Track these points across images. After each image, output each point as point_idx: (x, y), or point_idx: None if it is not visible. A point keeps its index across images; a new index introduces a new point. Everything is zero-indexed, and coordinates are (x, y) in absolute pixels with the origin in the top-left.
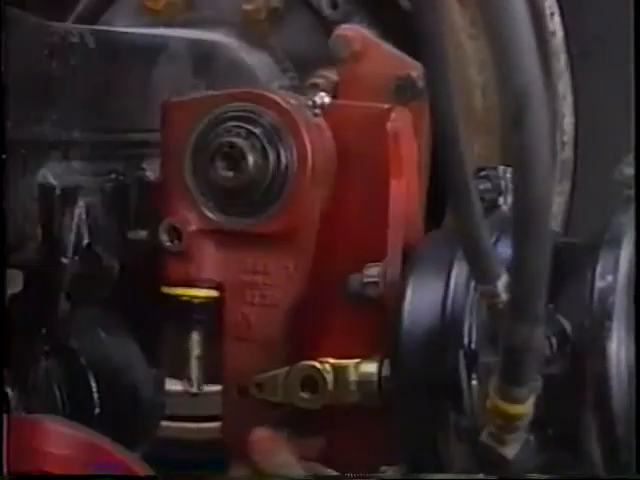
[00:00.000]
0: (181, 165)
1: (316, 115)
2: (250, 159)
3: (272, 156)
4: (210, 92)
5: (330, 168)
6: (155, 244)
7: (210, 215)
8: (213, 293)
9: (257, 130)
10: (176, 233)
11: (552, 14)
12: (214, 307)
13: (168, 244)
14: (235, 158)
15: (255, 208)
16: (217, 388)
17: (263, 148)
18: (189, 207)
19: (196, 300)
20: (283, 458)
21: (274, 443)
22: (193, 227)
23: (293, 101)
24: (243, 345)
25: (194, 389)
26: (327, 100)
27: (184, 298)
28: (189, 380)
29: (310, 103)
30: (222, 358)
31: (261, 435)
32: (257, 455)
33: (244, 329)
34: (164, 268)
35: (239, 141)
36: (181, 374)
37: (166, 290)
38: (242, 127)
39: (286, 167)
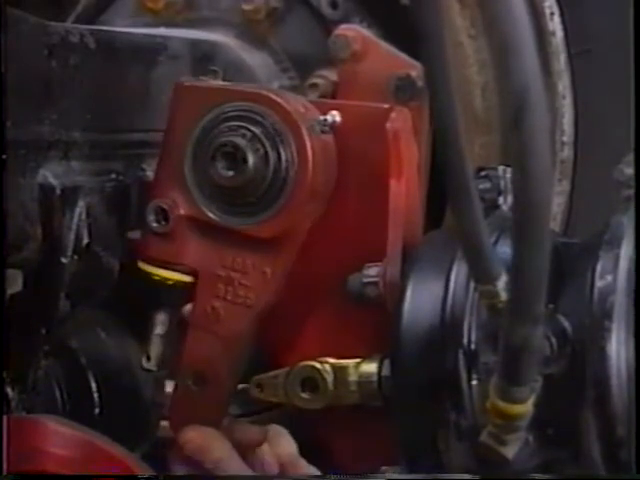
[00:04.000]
0: (182, 154)
1: (324, 132)
2: (250, 160)
3: (272, 158)
4: (224, 84)
5: (331, 171)
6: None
7: (205, 210)
8: (186, 278)
9: (258, 131)
10: (163, 214)
11: (552, 14)
12: (184, 292)
13: (154, 224)
14: (236, 158)
15: (250, 210)
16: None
17: (264, 150)
18: (181, 192)
19: (168, 282)
20: (218, 453)
21: (206, 440)
22: (181, 212)
23: (302, 109)
24: (206, 337)
25: (151, 366)
26: (338, 119)
27: (157, 277)
28: (148, 356)
29: (322, 119)
30: (182, 345)
31: (191, 435)
32: (192, 454)
33: (211, 321)
34: (145, 246)
35: (241, 141)
36: (142, 349)
37: (142, 266)
38: (244, 127)
39: (286, 171)
